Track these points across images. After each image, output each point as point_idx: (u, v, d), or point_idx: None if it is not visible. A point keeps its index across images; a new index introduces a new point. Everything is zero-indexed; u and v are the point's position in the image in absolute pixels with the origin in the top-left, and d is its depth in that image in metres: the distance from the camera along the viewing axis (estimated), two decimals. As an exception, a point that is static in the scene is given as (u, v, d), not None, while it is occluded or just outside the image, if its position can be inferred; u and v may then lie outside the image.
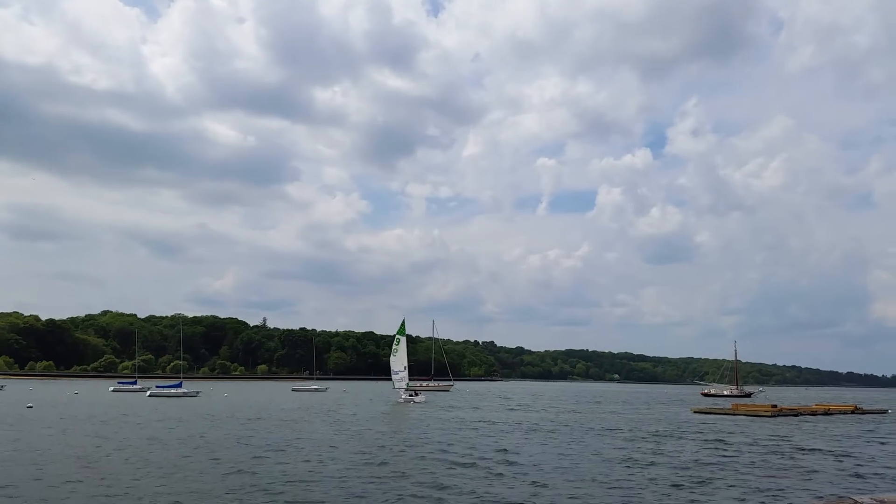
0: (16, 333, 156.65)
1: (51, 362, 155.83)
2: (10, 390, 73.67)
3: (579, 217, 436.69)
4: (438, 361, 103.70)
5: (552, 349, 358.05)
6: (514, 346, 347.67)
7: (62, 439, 24.63)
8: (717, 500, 14.11)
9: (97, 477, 15.91)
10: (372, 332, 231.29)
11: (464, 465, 19.10)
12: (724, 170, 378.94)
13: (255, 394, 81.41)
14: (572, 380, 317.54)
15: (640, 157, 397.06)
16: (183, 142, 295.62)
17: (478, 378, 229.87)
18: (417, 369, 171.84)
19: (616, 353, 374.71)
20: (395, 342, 66.59)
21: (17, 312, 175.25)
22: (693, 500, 14.07)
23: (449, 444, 24.59)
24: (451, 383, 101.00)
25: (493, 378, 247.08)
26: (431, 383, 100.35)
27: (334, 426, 32.90)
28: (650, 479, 16.61)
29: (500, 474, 17.37)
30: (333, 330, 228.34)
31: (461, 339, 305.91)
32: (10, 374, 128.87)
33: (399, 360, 65.23)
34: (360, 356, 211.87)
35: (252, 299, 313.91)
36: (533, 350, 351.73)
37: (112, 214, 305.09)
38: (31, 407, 44.63)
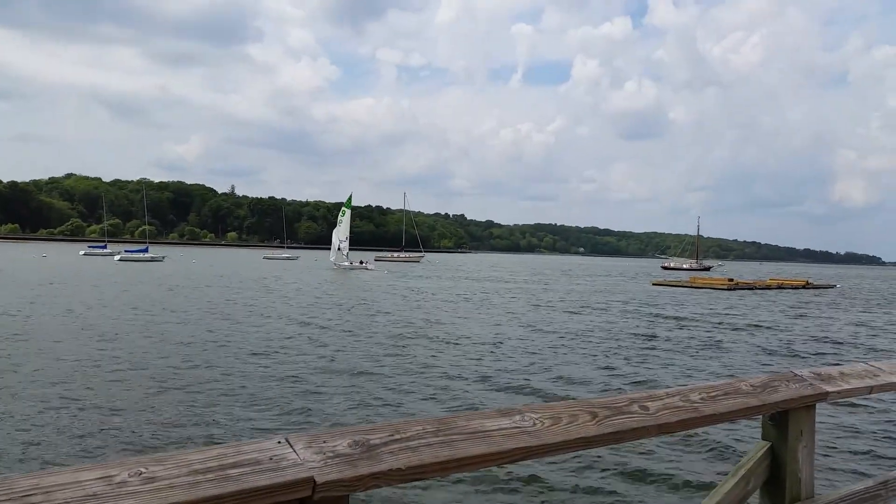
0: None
1: (16, 225, 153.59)
2: (-27, 253, 72.83)
3: (553, 90, 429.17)
4: (409, 233, 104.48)
5: (521, 223, 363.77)
6: (483, 220, 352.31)
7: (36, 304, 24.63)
8: (655, 374, 14.72)
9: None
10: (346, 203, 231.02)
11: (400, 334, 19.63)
12: (704, 44, 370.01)
13: (225, 260, 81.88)
14: (539, 252, 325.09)
15: (619, 27, 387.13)
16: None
17: (448, 250, 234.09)
18: (388, 241, 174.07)
19: (583, 227, 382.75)
20: (340, 213, 69.63)
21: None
22: (628, 374, 14.67)
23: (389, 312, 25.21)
24: (421, 255, 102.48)
25: (463, 250, 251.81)
26: (402, 254, 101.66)
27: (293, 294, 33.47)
28: (586, 353, 17.16)
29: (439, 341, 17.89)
30: (303, 199, 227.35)
31: (432, 212, 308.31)
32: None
33: (341, 231, 69.04)
34: (332, 226, 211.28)
35: (217, 166, 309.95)
36: (502, 224, 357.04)
37: (69, 74, 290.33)
38: (-3, 270, 44.20)
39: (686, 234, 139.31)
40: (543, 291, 42.50)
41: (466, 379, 13.05)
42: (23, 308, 22.50)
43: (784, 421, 2.27)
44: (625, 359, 16.09)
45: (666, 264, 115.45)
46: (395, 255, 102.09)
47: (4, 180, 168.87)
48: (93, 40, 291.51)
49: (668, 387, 2.33)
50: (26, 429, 8.80)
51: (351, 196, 73.24)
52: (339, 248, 69.26)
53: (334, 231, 70.64)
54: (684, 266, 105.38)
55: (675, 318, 27.01)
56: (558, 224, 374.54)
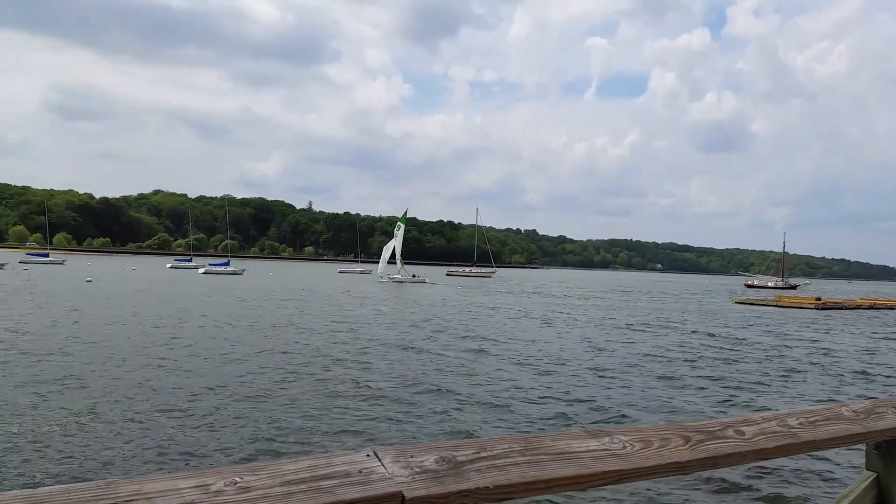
0: (72, 211, 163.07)
1: (107, 239, 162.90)
2: (70, 265, 77.54)
3: (629, 103, 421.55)
4: (481, 249, 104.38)
5: (595, 238, 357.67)
6: (555, 235, 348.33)
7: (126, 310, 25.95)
8: (736, 399, 13.99)
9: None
10: (415, 219, 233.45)
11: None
12: (786, 53, 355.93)
13: (303, 273, 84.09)
14: (614, 269, 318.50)
15: (698, 38, 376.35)
16: (222, 19, 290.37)
17: (519, 265, 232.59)
18: (459, 256, 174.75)
19: (660, 243, 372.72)
20: (396, 227, 71.03)
21: (73, 190, 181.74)
22: (706, 398, 13.99)
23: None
24: (493, 270, 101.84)
25: (535, 266, 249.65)
26: (474, 270, 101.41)
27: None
28: (661, 376, 16.50)
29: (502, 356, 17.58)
30: (376, 215, 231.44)
31: (503, 227, 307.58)
32: (69, 250, 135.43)
33: (390, 247, 70.31)
34: (404, 241, 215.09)
35: (296, 183, 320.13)
36: (575, 239, 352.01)
37: (154, 94, 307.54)
38: (91, 281, 46.80)
39: (770, 251, 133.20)
40: (618, 309, 41.45)
41: (538, 400, 12.77)
42: (122, 318, 23.68)
43: (892, 451, 2.07)
44: (702, 381, 15.39)
45: (749, 282, 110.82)
46: (467, 270, 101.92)
47: (97, 196, 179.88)
48: (178, 63, 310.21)
49: (763, 410, 2.27)
50: (126, 434, 9.17)
51: (406, 211, 75.13)
52: (388, 261, 70.47)
53: (386, 245, 72.03)
54: (769, 284, 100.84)
55: (759, 339, 25.71)
56: (634, 240, 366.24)
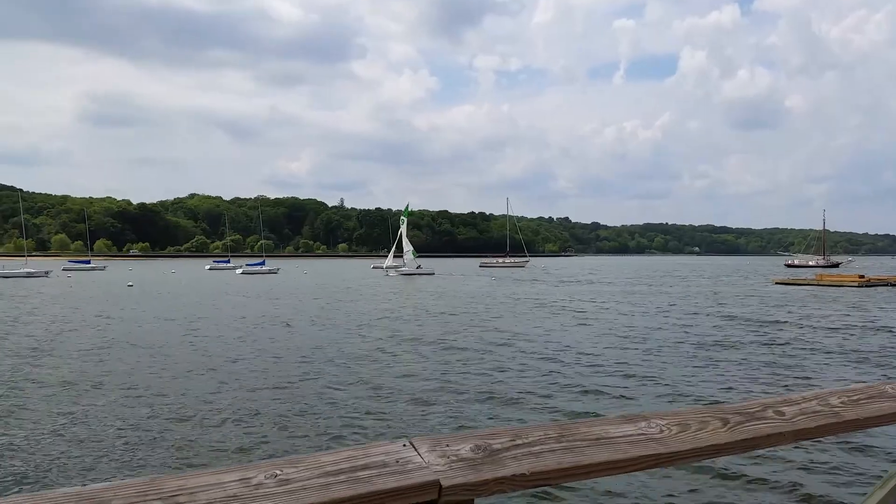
0: (111, 217, 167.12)
1: (146, 244, 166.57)
2: (111, 271, 79.54)
3: (659, 84, 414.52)
4: (513, 238, 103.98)
5: (629, 223, 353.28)
6: (589, 222, 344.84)
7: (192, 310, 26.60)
8: (776, 381, 13.70)
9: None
10: (446, 211, 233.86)
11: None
12: (819, 25, 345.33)
13: (338, 270, 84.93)
14: (650, 254, 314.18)
15: (728, 14, 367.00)
16: (248, 21, 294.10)
17: (552, 254, 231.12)
18: (491, 247, 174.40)
19: (697, 225, 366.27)
20: (400, 222, 72.88)
21: (111, 197, 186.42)
22: (744, 382, 13.74)
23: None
24: (526, 259, 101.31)
25: (568, 254, 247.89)
26: (507, 260, 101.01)
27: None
28: (688, 359, 16.24)
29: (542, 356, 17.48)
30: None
31: (535, 216, 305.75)
32: (110, 256, 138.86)
33: (404, 239, 71.46)
34: (436, 234, 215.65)
35: (327, 181, 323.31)
36: (609, 225, 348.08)
37: (185, 98, 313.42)
38: (132, 286, 47.92)
39: (811, 229, 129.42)
40: (654, 294, 40.94)
41: (575, 388, 12.71)
42: (175, 318, 24.25)
43: None
44: (741, 364, 15.13)
45: (790, 262, 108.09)
46: (500, 260, 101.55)
47: (134, 202, 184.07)
48: (206, 66, 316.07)
49: (803, 390, 2.22)
50: (177, 429, 9.42)
51: (408, 205, 79.88)
52: (395, 255, 72.40)
53: (398, 239, 73.23)
54: (810, 263, 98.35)
55: (799, 319, 25.13)
56: (670, 223, 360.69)
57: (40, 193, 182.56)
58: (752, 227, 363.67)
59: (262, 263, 77.93)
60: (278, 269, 77.15)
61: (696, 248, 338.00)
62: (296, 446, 8.73)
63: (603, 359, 15.66)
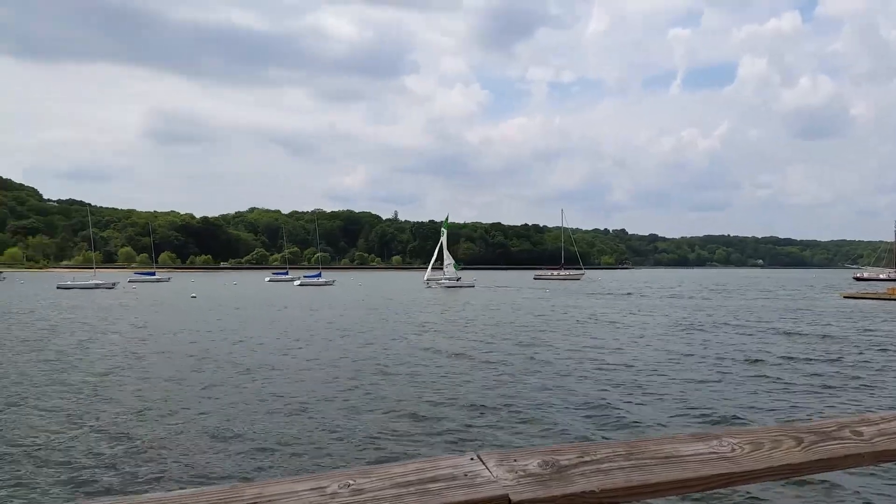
0: (175, 231, 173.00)
1: (208, 256, 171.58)
2: (175, 282, 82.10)
3: (717, 93, 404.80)
4: (568, 250, 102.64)
5: (688, 235, 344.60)
6: (646, 233, 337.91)
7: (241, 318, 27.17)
8: (846, 403, 12.86)
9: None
10: (499, 224, 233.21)
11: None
12: (888, 31, 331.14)
13: (390, 283, 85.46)
14: (711, 266, 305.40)
15: (788, 21, 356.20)
16: (305, 40, 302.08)
17: (609, 266, 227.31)
18: (545, 259, 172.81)
19: (759, 237, 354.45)
20: (441, 234, 72.45)
21: (175, 212, 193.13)
22: (812, 404, 12.94)
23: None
24: (581, 272, 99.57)
25: (625, 266, 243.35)
26: (561, 272, 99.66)
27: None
28: (756, 376, 15.41)
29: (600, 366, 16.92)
30: (461, 222, 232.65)
31: (590, 228, 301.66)
32: (174, 268, 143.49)
33: (444, 251, 71.79)
34: (489, 246, 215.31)
35: (381, 194, 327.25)
36: (667, 237, 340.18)
37: (245, 116, 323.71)
38: (195, 297, 49.19)
39: (880, 241, 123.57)
40: (715, 308, 39.56)
41: (639, 404, 12.24)
42: (257, 326, 24.73)
43: None
44: (810, 382, 14.32)
45: (859, 275, 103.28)
46: (555, 273, 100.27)
47: (197, 216, 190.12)
48: (265, 84, 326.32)
49: (881, 411, 2.14)
50: (256, 436, 9.47)
51: (448, 216, 79.55)
52: (434, 267, 72.14)
53: (437, 252, 73.30)
54: (881, 276, 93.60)
55: (870, 335, 23.76)
56: (731, 235, 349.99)
57: (108, 208, 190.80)
58: (818, 239, 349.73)
59: (319, 275, 79.22)
60: (334, 281, 78.28)
61: (760, 261, 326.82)
62: (355, 456, 8.62)
63: (662, 374, 15.10)
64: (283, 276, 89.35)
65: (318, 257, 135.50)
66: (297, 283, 75.62)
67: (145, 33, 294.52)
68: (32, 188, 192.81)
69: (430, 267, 73.25)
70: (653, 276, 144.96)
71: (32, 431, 10.17)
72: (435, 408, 11.80)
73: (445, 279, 69.80)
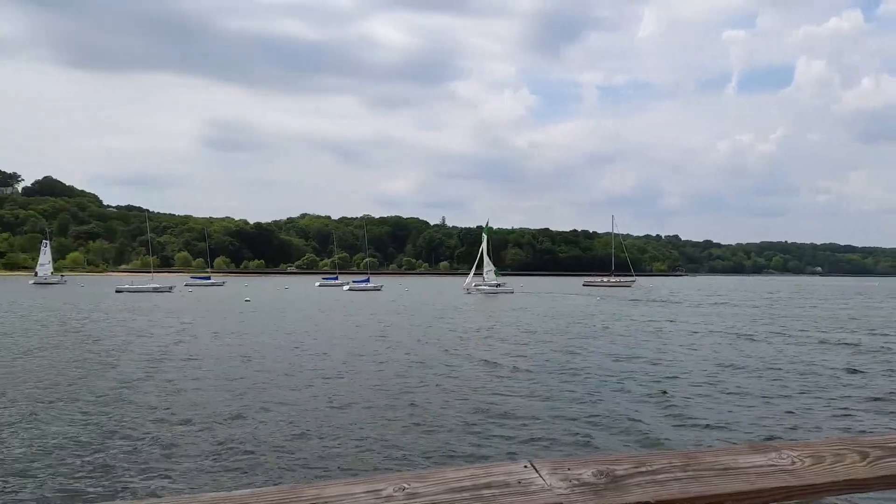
0: (229, 236, 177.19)
1: (261, 261, 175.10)
2: (229, 286, 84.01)
3: (774, 96, 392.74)
4: (618, 257, 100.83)
5: (744, 242, 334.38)
6: (700, 240, 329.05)
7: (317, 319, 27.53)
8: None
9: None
10: (548, 229, 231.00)
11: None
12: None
13: (438, 288, 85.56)
14: (768, 274, 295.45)
15: (849, 21, 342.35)
16: (356, 48, 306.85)
17: (661, 273, 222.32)
18: (595, 265, 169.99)
19: (819, 244, 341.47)
20: (482, 239, 71.77)
21: (230, 217, 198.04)
22: (856, 414, 12.17)
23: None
24: (632, 279, 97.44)
25: (678, 273, 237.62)
26: (612, 279, 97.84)
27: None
28: (809, 384, 14.58)
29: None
30: (509, 227, 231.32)
31: (642, 234, 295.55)
32: (228, 272, 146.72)
33: (485, 256, 71.32)
34: (537, 252, 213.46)
35: (429, 199, 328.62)
36: (722, 243, 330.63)
37: (297, 123, 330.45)
38: (249, 301, 50.14)
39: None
40: (772, 317, 38.15)
41: (693, 416, 11.76)
42: (307, 330, 25.05)
43: None
44: (870, 396, 13.56)
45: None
46: (605, 279, 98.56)
47: (251, 222, 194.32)
48: (317, 92, 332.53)
49: None
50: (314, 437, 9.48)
51: (488, 221, 79.98)
52: (475, 272, 71.51)
53: (478, 258, 72.72)
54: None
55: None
56: (789, 241, 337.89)
57: (165, 214, 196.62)
58: (882, 246, 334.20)
59: (367, 280, 79.99)
60: (381, 286, 78.72)
61: (819, 269, 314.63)
62: (407, 460, 8.51)
63: (714, 384, 14.56)
64: (333, 281, 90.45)
65: (366, 262, 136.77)
66: (346, 287, 76.42)
67: (202, 44, 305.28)
68: (93, 194, 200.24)
69: (471, 273, 72.90)
70: (707, 283, 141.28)
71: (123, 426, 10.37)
72: (484, 413, 11.59)
73: (485, 285, 69.32)
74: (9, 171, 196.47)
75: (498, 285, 70.12)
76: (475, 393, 13.51)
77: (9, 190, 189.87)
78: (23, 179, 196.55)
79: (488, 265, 71.21)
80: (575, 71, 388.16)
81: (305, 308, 42.42)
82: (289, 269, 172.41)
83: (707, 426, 10.91)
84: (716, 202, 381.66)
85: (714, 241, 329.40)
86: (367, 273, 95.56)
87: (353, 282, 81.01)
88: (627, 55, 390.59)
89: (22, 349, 20.09)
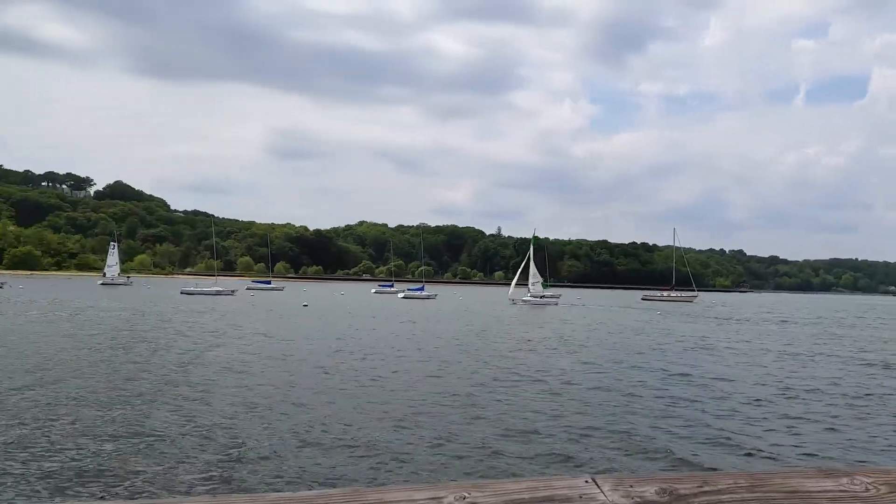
0: (290, 242, 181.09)
1: (319, 267, 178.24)
2: (288, 291, 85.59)
3: (846, 107, 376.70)
4: (680, 271, 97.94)
5: (812, 258, 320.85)
6: (766, 255, 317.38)
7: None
8: None
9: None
10: (606, 241, 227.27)
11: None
12: None
13: (485, 297, 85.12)
14: (837, 292, 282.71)
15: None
16: (416, 58, 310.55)
17: (724, 289, 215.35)
18: (655, 279, 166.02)
19: (893, 262, 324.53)
20: (530, 249, 70.67)
21: (290, 224, 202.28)
22: None
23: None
24: (694, 294, 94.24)
25: (743, 290, 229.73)
26: (673, 294, 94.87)
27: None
28: (882, 412, 13.54)
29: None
30: (566, 238, 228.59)
31: (704, 248, 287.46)
32: (288, 278, 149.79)
33: (531, 267, 70.45)
34: (595, 265, 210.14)
35: (485, 209, 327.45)
36: (789, 259, 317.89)
37: (357, 132, 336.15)
38: (307, 305, 50.87)
39: None
40: (844, 339, 36.25)
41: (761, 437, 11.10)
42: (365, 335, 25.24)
43: None
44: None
45: None
46: (665, 294, 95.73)
47: (310, 228, 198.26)
48: (378, 101, 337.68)
49: None
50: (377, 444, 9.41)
51: (535, 231, 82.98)
52: (517, 283, 70.80)
53: (521, 268, 71.44)
54: None
55: None
56: (860, 259, 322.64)
57: (229, 219, 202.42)
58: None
59: (422, 289, 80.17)
60: (436, 295, 78.77)
61: (892, 288, 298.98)
62: (464, 469, 8.22)
63: (778, 406, 13.78)
64: (389, 289, 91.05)
65: (421, 271, 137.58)
66: (400, 295, 76.81)
67: (266, 54, 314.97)
68: (161, 199, 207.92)
69: (513, 283, 72.05)
70: (773, 300, 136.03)
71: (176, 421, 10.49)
72: (539, 425, 11.24)
73: (530, 296, 68.44)
74: (83, 175, 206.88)
75: (542, 296, 69.15)
76: (536, 404, 13.15)
77: (82, 193, 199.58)
78: (95, 184, 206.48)
79: (535, 276, 70.24)
80: (637, 80, 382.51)
81: (360, 314, 42.72)
82: (346, 276, 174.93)
83: (774, 448, 10.29)
84: (782, 216, 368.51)
85: (780, 257, 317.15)
86: (421, 281, 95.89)
87: (408, 290, 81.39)
88: (692, 64, 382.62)
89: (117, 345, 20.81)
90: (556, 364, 19.96)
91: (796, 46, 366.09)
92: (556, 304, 67.40)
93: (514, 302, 66.97)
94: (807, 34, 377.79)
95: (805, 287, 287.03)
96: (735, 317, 55.77)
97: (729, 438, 10.88)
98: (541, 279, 71.45)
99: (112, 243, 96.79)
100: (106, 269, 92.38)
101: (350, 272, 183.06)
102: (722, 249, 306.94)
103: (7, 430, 9.91)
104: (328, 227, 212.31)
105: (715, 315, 57.55)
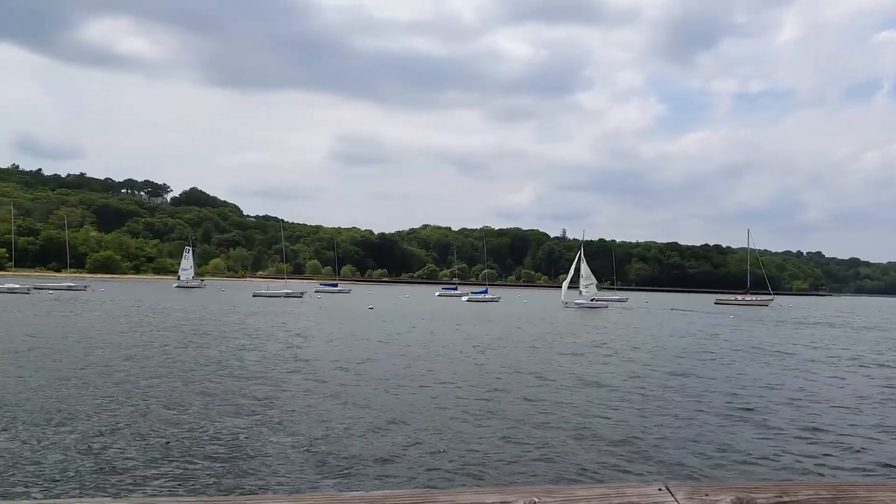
0: (356, 246, 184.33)
1: (384, 270, 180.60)
2: (354, 294, 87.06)
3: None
4: (754, 274, 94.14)
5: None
6: (846, 258, 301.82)
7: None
8: None
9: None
10: (676, 243, 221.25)
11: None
12: None
13: (554, 302, 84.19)
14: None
15: None
16: (479, 62, 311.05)
17: (801, 293, 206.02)
18: (728, 282, 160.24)
19: None
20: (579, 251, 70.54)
21: (356, 228, 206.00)
22: None
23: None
24: (770, 298, 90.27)
25: (821, 293, 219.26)
26: (747, 297, 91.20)
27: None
28: None
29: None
30: (632, 241, 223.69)
31: (780, 250, 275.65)
32: (354, 280, 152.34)
33: (583, 270, 69.27)
34: (664, 267, 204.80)
35: (549, 211, 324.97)
36: (871, 262, 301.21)
37: (421, 137, 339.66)
38: (372, 308, 51.57)
39: None
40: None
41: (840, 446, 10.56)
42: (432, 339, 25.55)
43: None
44: None
45: None
46: (739, 298, 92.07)
47: (375, 232, 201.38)
48: (441, 106, 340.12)
49: None
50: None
51: (584, 232, 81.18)
52: (569, 286, 68.95)
53: (572, 271, 70.45)
54: None
55: None
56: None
57: (298, 224, 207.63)
58: None
59: (486, 292, 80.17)
60: (499, 298, 78.51)
61: None
62: (532, 473, 8.17)
63: (862, 417, 13.02)
64: (452, 292, 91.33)
65: (485, 274, 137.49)
66: (464, 298, 76.95)
67: (332, 62, 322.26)
68: (234, 205, 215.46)
69: (564, 286, 70.40)
70: (855, 304, 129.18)
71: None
72: (606, 430, 11.03)
73: (582, 299, 67.12)
74: (160, 182, 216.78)
75: (593, 300, 67.75)
76: (602, 409, 12.93)
77: (159, 200, 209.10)
78: (171, 190, 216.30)
79: (588, 278, 68.74)
80: (707, 78, 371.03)
81: (425, 316, 43.00)
82: (410, 279, 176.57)
83: (856, 456, 9.76)
84: (863, 217, 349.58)
85: (862, 260, 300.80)
86: (485, 284, 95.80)
87: (472, 293, 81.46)
88: (765, 61, 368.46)
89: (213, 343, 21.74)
90: (626, 370, 19.58)
91: (877, 40, 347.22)
92: (607, 306, 66.06)
93: (566, 305, 65.93)
94: (889, 26, 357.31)
95: (889, 290, 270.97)
96: (818, 321, 53.25)
97: (806, 447, 10.40)
98: (594, 281, 69.99)
99: (187, 247, 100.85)
100: (180, 273, 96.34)
101: (414, 275, 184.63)
102: (798, 251, 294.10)
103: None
104: (392, 231, 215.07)
105: (791, 319, 55.09)
